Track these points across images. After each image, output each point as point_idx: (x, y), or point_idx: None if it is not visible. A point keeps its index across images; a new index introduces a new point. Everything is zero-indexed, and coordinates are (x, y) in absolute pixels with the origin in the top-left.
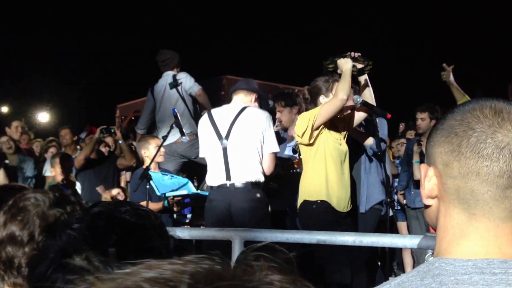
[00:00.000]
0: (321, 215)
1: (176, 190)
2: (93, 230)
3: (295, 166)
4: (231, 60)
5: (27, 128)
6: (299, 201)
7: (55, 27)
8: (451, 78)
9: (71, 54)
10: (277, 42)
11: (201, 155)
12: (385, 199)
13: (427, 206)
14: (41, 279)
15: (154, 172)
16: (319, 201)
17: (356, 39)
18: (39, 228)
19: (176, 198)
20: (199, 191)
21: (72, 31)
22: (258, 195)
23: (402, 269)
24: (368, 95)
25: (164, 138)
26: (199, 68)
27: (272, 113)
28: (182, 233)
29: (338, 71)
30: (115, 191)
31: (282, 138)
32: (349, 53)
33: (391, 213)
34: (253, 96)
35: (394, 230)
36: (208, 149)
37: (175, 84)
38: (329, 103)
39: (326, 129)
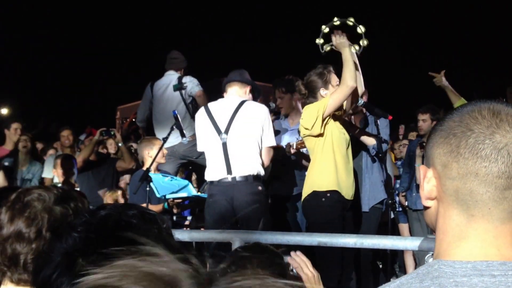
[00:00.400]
0: (330, 209)
1: (176, 192)
2: (100, 234)
3: (299, 146)
4: (231, 60)
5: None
6: (306, 192)
7: (55, 27)
8: (444, 81)
9: (71, 53)
10: (277, 43)
11: (199, 149)
12: (386, 199)
13: (426, 208)
14: (46, 283)
15: (154, 174)
16: (329, 192)
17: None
18: (47, 224)
19: (176, 200)
20: (199, 194)
21: (72, 31)
22: (260, 187)
23: (404, 271)
24: (358, 81)
25: (165, 139)
26: (199, 68)
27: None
28: (182, 235)
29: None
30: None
31: (282, 128)
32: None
33: (392, 216)
34: (247, 88)
35: (395, 232)
36: (207, 143)
37: (179, 87)
38: (338, 92)
39: (331, 119)
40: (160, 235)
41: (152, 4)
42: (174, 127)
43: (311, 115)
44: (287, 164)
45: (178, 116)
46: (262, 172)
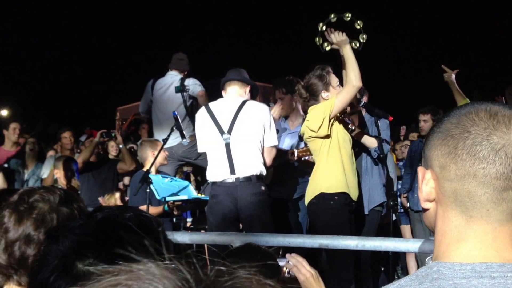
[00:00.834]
0: (339, 211)
1: (177, 193)
2: (97, 236)
3: (301, 154)
4: (231, 60)
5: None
6: (312, 194)
7: (55, 27)
8: (453, 78)
9: (71, 54)
10: (278, 43)
11: (200, 150)
12: (387, 201)
13: (425, 210)
14: (44, 286)
15: (154, 175)
16: (337, 195)
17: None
18: (56, 225)
19: (176, 202)
20: (199, 195)
21: (72, 32)
22: (263, 187)
23: (406, 273)
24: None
25: (165, 140)
26: (199, 68)
27: None
28: (183, 237)
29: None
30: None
31: (282, 128)
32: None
33: (394, 218)
34: (247, 88)
35: (397, 234)
36: (209, 144)
37: (182, 89)
38: (345, 93)
39: (336, 120)
40: (155, 238)
41: (152, 6)
42: (174, 128)
43: (317, 116)
44: (288, 168)
45: (178, 117)
46: (265, 172)
